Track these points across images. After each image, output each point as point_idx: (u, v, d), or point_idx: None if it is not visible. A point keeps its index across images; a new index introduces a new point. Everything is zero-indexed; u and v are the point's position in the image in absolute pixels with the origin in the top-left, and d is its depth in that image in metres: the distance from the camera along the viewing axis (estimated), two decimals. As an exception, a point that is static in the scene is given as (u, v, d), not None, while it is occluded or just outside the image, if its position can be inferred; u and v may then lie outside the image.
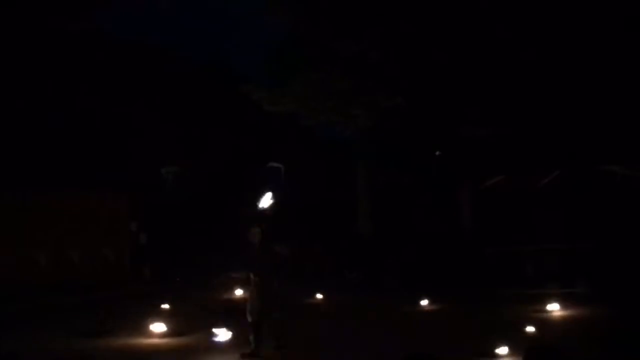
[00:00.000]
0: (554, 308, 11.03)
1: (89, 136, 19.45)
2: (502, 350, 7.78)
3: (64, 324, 10.56)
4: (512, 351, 7.67)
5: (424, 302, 11.99)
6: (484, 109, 16.48)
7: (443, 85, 16.50)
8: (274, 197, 8.39)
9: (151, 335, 9.45)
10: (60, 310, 12.09)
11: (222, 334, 8.62)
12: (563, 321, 10.26)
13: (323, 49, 16.69)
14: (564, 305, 11.12)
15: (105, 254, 15.95)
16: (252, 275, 8.06)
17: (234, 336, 8.65)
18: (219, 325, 8.64)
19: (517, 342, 8.12)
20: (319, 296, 13.14)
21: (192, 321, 10.38)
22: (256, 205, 8.32)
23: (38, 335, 9.64)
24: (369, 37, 15.93)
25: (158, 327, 9.57)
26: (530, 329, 9.10)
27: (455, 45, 15.91)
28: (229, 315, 9.57)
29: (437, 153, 19.41)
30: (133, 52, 21.66)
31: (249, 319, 7.96)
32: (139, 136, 20.66)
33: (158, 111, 21.31)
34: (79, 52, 18.41)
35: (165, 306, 11.73)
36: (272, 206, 8.36)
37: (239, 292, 12.15)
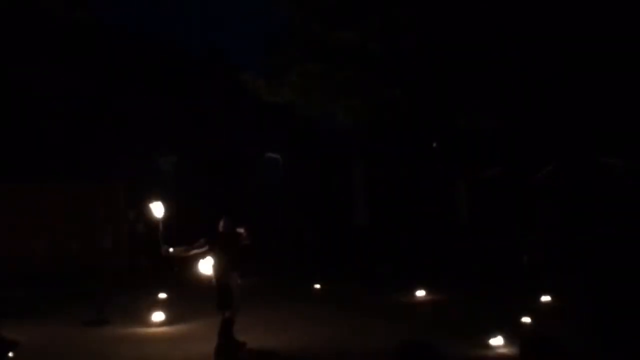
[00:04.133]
0: (549, 299, 11.10)
1: (87, 125, 19.42)
2: (497, 340, 7.84)
3: (62, 313, 10.60)
4: (508, 342, 7.74)
5: (420, 293, 12.05)
6: (482, 100, 16.49)
7: (441, 77, 16.50)
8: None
9: (149, 324, 9.50)
10: (58, 299, 12.12)
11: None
12: (559, 312, 10.32)
13: (321, 40, 16.66)
14: (559, 297, 11.19)
15: (103, 243, 15.96)
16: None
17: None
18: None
19: (513, 332, 8.21)
20: (317, 286, 13.20)
21: (189, 310, 10.43)
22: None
23: (36, 324, 9.68)
24: (367, 27, 15.91)
25: (156, 316, 9.62)
26: (525, 319, 9.17)
27: (453, 37, 15.89)
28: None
29: (434, 145, 19.43)
30: (130, 41, 21.61)
31: (228, 313, 7.85)
32: (137, 125, 20.63)
33: (156, 100, 21.27)
34: (76, 41, 18.35)
35: (163, 295, 11.77)
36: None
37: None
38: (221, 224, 8.12)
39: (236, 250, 8.07)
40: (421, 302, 11.72)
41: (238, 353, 7.85)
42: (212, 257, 7.99)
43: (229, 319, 7.85)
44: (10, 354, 7.46)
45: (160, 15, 35.93)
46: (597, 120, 15.76)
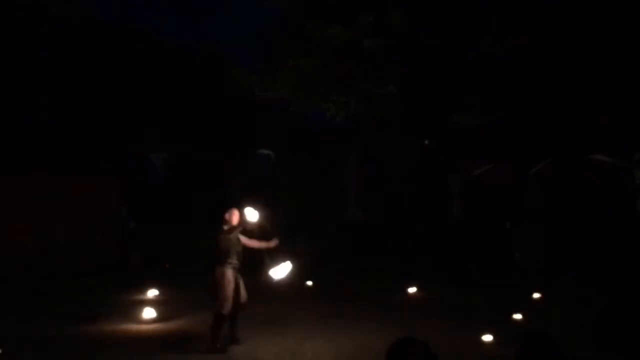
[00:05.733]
0: (540, 296, 11.13)
1: (78, 121, 19.30)
2: (489, 337, 7.84)
3: (52, 309, 10.53)
4: (500, 338, 7.74)
5: (413, 289, 12.05)
6: (476, 97, 16.50)
7: (435, 73, 16.49)
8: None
9: (139, 320, 9.45)
10: (48, 295, 12.05)
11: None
12: (550, 309, 10.35)
13: (315, 35, 16.61)
14: (550, 294, 11.22)
15: (94, 239, 15.89)
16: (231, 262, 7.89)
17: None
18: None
19: (505, 329, 8.22)
20: (309, 282, 13.17)
21: (181, 307, 10.40)
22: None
23: (26, 320, 9.61)
24: (360, 23, 15.87)
25: (146, 312, 9.57)
26: (517, 316, 9.19)
27: (448, 33, 15.88)
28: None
29: (426, 142, 19.45)
30: (122, 37, 21.48)
31: (225, 310, 7.75)
32: (129, 121, 20.53)
33: (148, 96, 21.17)
34: (69, 36, 18.21)
35: (154, 292, 11.73)
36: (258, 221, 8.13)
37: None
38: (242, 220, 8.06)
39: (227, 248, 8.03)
40: (414, 299, 11.72)
41: (225, 348, 7.79)
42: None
43: (221, 314, 7.78)
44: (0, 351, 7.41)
45: (153, 10, 35.73)
46: (588, 118, 15.81)
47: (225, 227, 7.86)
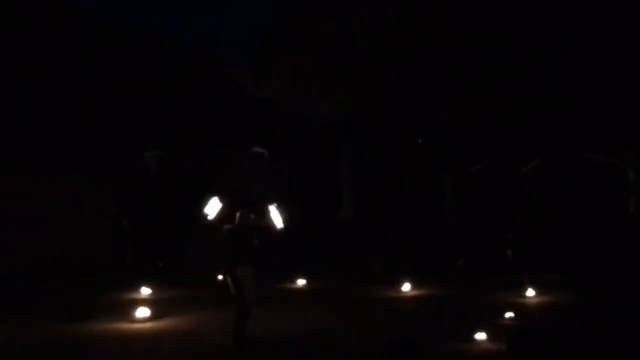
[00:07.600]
0: (532, 294, 11.17)
1: (71, 119, 19.22)
2: (482, 335, 7.86)
3: (45, 308, 10.49)
4: (492, 336, 7.76)
5: (406, 287, 12.07)
6: (468, 95, 16.53)
7: (428, 71, 16.51)
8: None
9: (132, 319, 9.42)
10: (41, 294, 12.00)
11: None
12: (542, 307, 10.39)
13: (308, 33, 16.60)
14: (543, 292, 11.26)
15: (87, 238, 15.83)
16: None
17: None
18: None
19: (498, 327, 8.24)
20: (302, 281, 13.16)
21: (174, 305, 10.38)
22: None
23: (18, 319, 9.57)
24: (355, 21, 15.87)
25: (139, 311, 9.55)
26: (509, 314, 9.22)
27: (441, 31, 15.90)
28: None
29: (420, 140, 19.48)
30: (114, 34, 21.39)
31: (250, 302, 7.80)
32: (122, 120, 20.44)
33: (141, 95, 21.08)
34: (62, 34, 18.12)
35: (147, 290, 11.71)
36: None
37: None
38: (237, 216, 8.05)
39: (249, 244, 7.98)
40: (407, 297, 11.73)
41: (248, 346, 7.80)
42: (226, 241, 7.90)
43: (243, 311, 7.78)
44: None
45: (146, 7, 35.57)
46: (580, 116, 15.87)
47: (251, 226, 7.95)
